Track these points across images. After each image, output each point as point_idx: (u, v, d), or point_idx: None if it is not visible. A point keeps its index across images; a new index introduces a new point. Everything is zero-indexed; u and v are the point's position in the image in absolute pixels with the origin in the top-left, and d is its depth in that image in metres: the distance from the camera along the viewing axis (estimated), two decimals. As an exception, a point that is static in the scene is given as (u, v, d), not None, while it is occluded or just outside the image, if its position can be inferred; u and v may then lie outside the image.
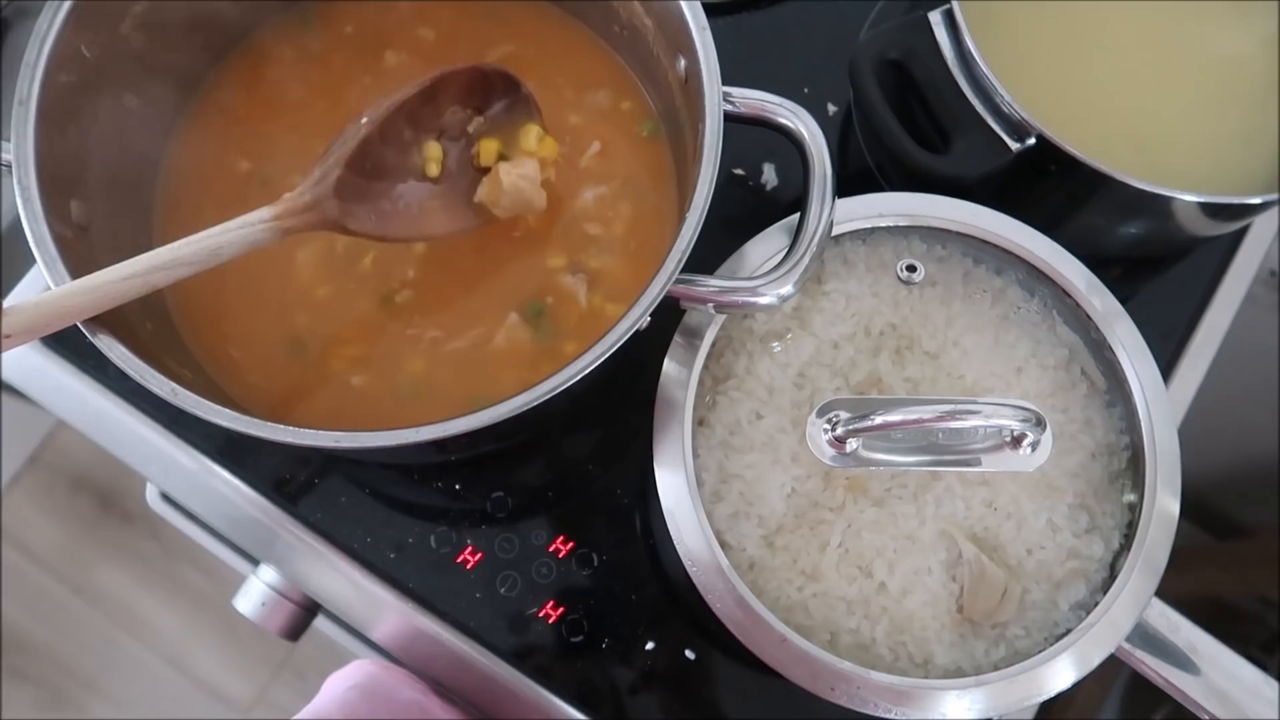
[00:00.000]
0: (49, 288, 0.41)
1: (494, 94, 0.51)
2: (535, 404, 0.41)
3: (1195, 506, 1.34)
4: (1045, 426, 0.43)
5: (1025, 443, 0.44)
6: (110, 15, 0.47)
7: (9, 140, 0.43)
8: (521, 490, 0.58)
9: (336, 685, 0.55)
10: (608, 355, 0.42)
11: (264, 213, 0.45)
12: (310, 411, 0.50)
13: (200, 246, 0.43)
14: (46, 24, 0.44)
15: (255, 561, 0.63)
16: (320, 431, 0.40)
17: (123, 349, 0.41)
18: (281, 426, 0.40)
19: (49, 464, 1.48)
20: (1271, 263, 0.98)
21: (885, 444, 0.46)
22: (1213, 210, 0.55)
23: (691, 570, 0.45)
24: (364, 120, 0.47)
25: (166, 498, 0.67)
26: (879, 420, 0.43)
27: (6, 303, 0.35)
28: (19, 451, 1.47)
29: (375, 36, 0.57)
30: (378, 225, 0.48)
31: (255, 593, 0.61)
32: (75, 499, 1.47)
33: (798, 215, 0.47)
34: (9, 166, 0.43)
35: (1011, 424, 0.43)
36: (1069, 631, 0.46)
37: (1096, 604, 0.47)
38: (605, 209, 0.54)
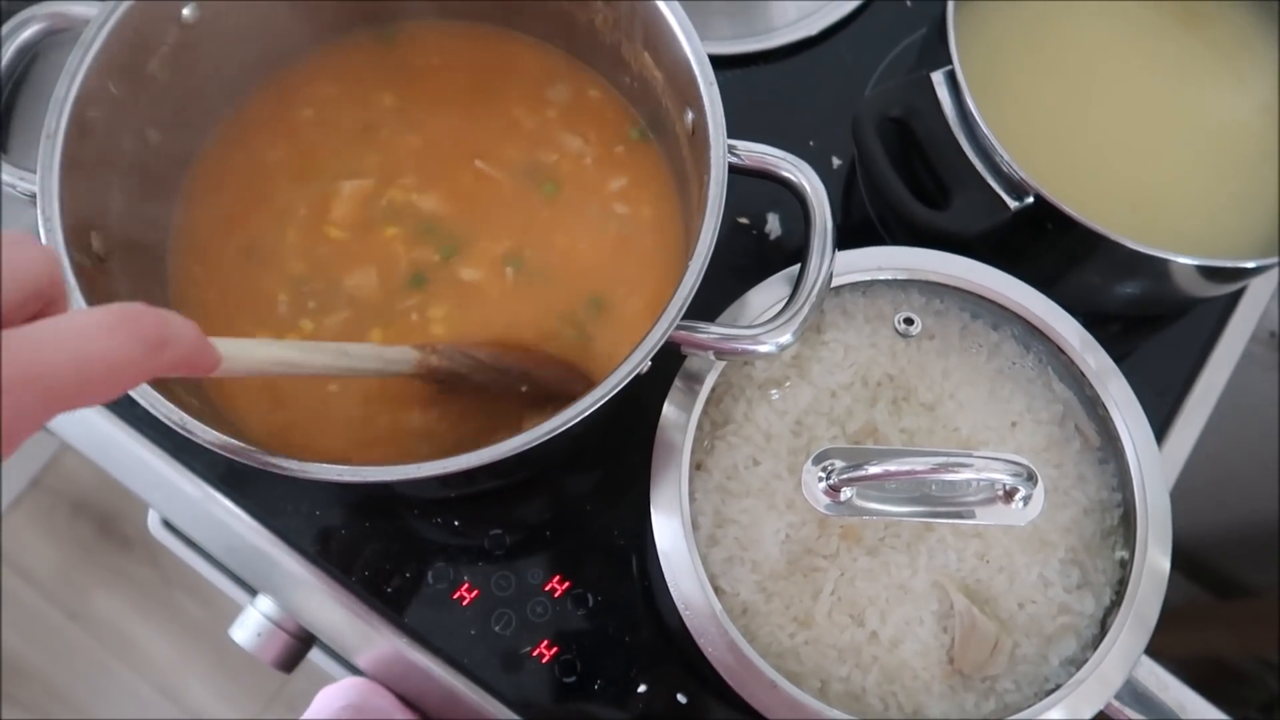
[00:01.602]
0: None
1: None
2: (535, 444, 0.42)
3: (1197, 566, 1.34)
4: (1037, 481, 0.44)
5: (1017, 497, 0.45)
6: (139, 54, 0.49)
7: (34, 172, 0.45)
8: (520, 528, 0.59)
9: (331, 701, 0.55)
10: (608, 398, 0.43)
11: (411, 358, 0.48)
12: (313, 449, 0.51)
13: (356, 357, 0.45)
14: (77, 62, 0.45)
15: (253, 591, 0.63)
16: (324, 465, 0.40)
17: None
18: (286, 460, 0.40)
19: (50, 487, 1.48)
20: (1271, 324, 0.99)
21: (879, 494, 0.47)
22: (1208, 272, 0.56)
23: (685, 614, 0.46)
24: (523, 387, 0.51)
25: (168, 525, 0.67)
26: (872, 470, 0.43)
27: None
28: (21, 474, 1.48)
29: (382, 74, 0.58)
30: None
31: (252, 623, 0.62)
32: (75, 523, 1.47)
33: (799, 266, 0.48)
34: (33, 198, 0.44)
35: (1003, 478, 0.43)
36: (1059, 687, 0.46)
37: (1086, 660, 0.47)
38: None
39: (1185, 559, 1.42)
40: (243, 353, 0.37)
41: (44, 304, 0.29)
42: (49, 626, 1.41)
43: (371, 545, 0.58)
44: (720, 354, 0.47)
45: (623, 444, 0.58)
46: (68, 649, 1.41)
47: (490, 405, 0.52)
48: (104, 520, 1.47)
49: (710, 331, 0.46)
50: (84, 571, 1.45)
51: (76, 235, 0.44)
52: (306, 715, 0.56)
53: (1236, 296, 0.69)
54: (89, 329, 0.28)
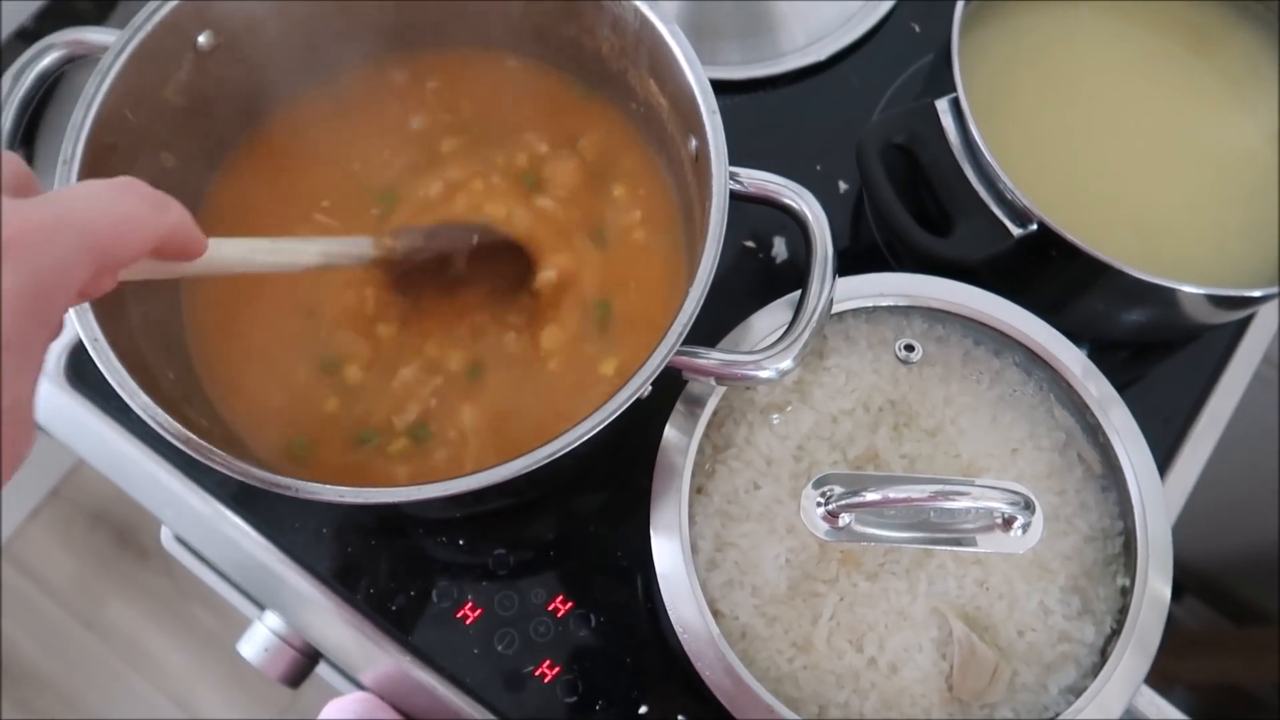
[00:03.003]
0: (78, 337, 0.43)
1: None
2: (535, 468, 0.42)
3: (1215, 591, 1.33)
4: (1035, 510, 0.44)
5: (1016, 525, 0.45)
6: (155, 81, 0.50)
7: (51, 195, 0.46)
8: (524, 548, 0.59)
9: (339, 716, 0.56)
10: (608, 422, 0.43)
11: (367, 245, 0.51)
12: (325, 465, 0.52)
13: (309, 251, 0.48)
14: (94, 89, 0.46)
15: (262, 607, 0.64)
16: (325, 486, 0.41)
17: (145, 397, 0.43)
18: (289, 480, 0.41)
19: (69, 497, 1.50)
20: (1283, 348, 0.99)
21: (878, 519, 0.47)
22: (1215, 300, 0.56)
23: (683, 637, 0.46)
24: (475, 236, 0.54)
25: (180, 539, 0.68)
26: (870, 497, 0.44)
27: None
28: (41, 484, 1.50)
29: (393, 104, 0.59)
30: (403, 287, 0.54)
31: (259, 638, 0.62)
32: (93, 533, 1.49)
33: (800, 291, 0.49)
34: (49, 220, 0.45)
35: (1001, 506, 0.43)
36: (1058, 715, 0.46)
37: (1086, 688, 0.47)
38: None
39: (1203, 584, 1.41)
40: (220, 250, 0.42)
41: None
42: (65, 635, 1.43)
43: (377, 563, 0.59)
44: (721, 379, 0.47)
45: (629, 466, 0.58)
46: (83, 658, 1.42)
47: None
48: (121, 531, 1.49)
49: (711, 357, 0.46)
50: (101, 581, 1.47)
51: (91, 258, 0.45)
52: None
53: (1245, 322, 0.68)
54: (101, 189, 0.33)
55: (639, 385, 0.44)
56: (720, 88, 0.70)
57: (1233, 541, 1.25)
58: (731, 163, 0.49)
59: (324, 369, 0.54)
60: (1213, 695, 1.31)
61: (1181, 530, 0.67)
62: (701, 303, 0.45)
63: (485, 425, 0.53)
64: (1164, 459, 0.64)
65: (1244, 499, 1.14)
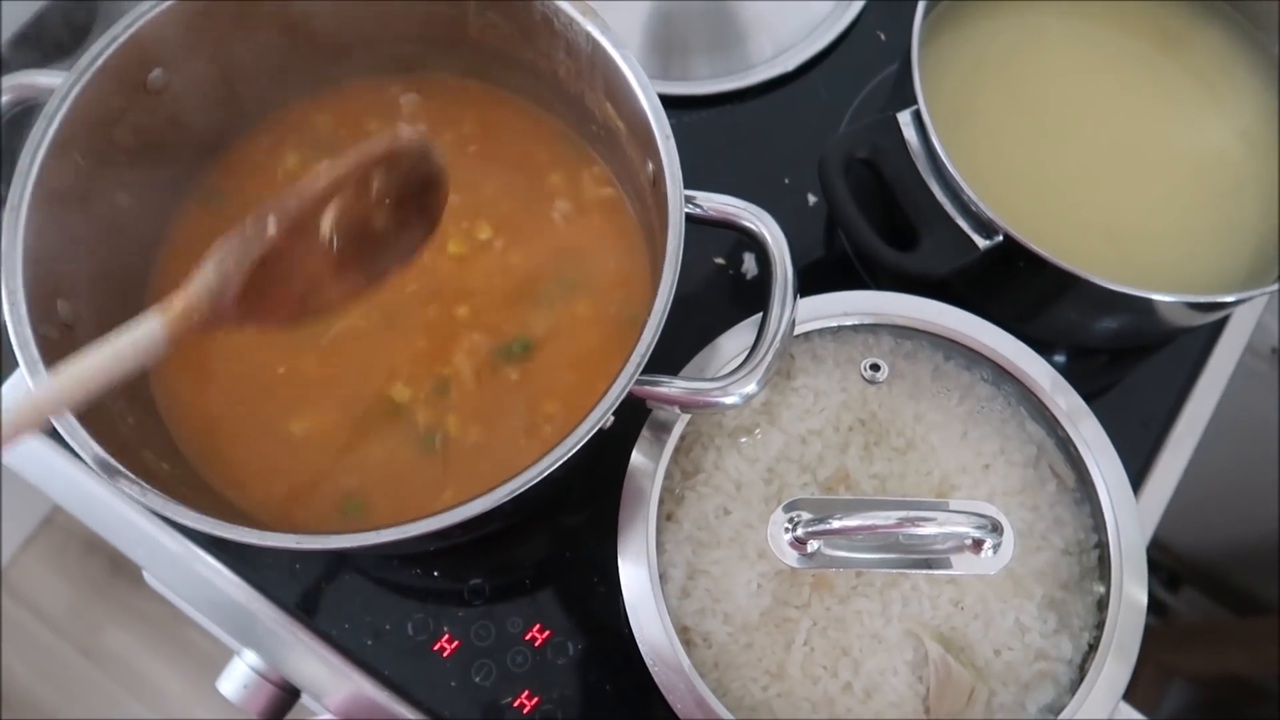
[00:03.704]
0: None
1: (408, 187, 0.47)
2: (492, 507, 0.41)
3: (1213, 582, 1.32)
4: (1002, 531, 0.44)
5: (985, 546, 0.45)
6: (106, 122, 0.49)
7: (1, 241, 0.45)
8: (500, 576, 0.59)
9: None
10: (568, 456, 0.43)
11: (155, 328, 0.40)
12: (307, 506, 0.51)
13: (90, 375, 0.39)
14: (40, 134, 0.46)
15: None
16: (280, 534, 0.40)
17: (96, 447, 0.42)
18: (244, 529, 0.40)
19: (62, 525, 1.50)
20: (1271, 340, 0.98)
21: (848, 543, 0.46)
22: (1187, 305, 0.55)
23: (653, 669, 0.46)
24: (270, 219, 0.42)
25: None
26: (836, 525, 0.43)
27: None
28: (34, 512, 1.49)
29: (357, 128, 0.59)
30: (273, 313, 0.45)
31: (238, 675, 0.62)
32: (87, 560, 1.48)
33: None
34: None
35: (968, 530, 0.43)
36: (1036, 736, 0.46)
37: (1065, 705, 0.46)
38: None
39: (1201, 576, 1.40)
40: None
41: None
42: (62, 663, 1.43)
43: (353, 598, 0.58)
44: (685, 407, 0.47)
45: (606, 490, 0.58)
46: (80, 685, 1.42)
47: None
48: (115, 557, 1.48)
49: (673, 385, 0.46)
50: (96, 608, 1.46)
51: (42, 305, 0.45)
52: None
53: (1221, 322, 0.68)
54: None
55: (599, 417, 0.43)
56: (689, 103, 0.70)
57: (1231, 532, 1.25)
58: (699, 179, 0.48)
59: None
60: (1214, 687, 1.30)
61: (1179, 522, 0.66)
62: (659, 331, 0.44)
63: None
64: (1144, 462, 0.63)
65: (1241, 489, 1.14)
